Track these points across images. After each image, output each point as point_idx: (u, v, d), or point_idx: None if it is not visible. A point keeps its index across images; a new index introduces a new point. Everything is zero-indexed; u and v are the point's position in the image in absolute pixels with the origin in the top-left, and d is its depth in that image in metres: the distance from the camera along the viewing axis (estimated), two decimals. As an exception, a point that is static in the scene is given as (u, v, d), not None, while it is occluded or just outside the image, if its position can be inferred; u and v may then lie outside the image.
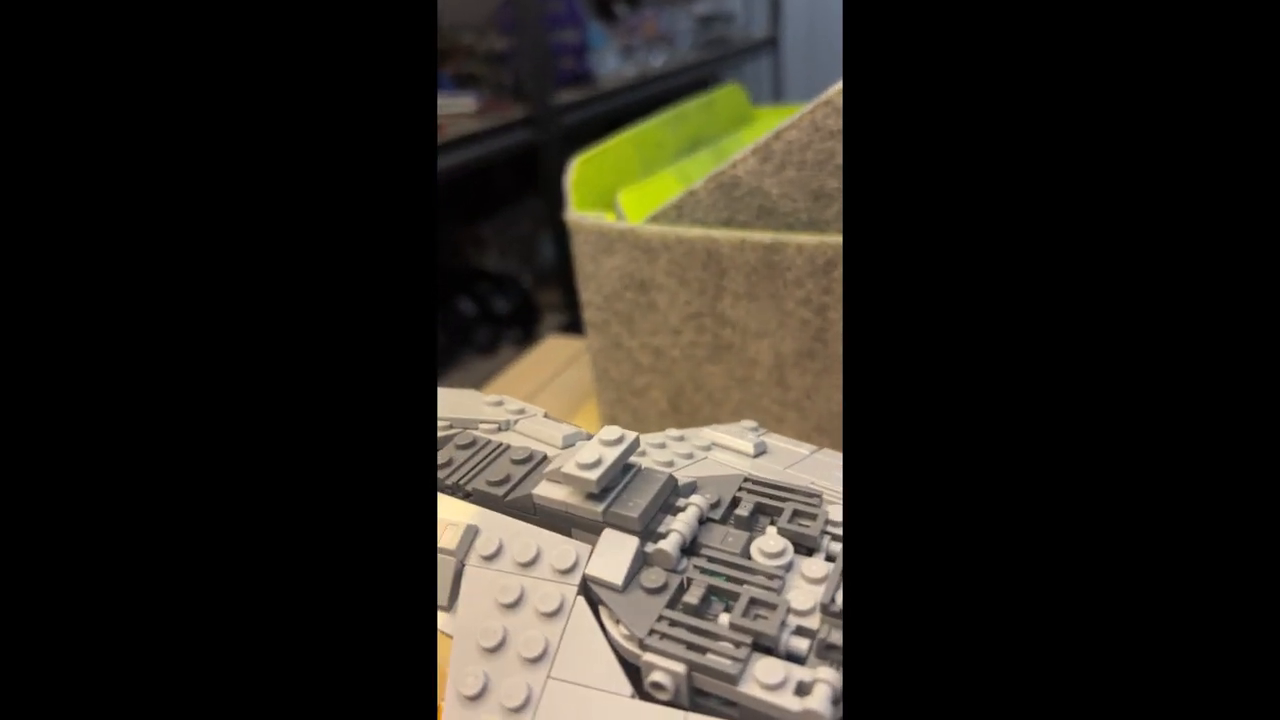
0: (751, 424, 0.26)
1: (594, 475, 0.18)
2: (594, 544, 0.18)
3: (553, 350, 0.65)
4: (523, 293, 1.20)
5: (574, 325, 1.25)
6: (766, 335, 0.38)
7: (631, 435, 0.20)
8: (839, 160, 0.34)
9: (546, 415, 0.25)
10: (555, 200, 1.16)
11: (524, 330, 1.19)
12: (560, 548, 0.19)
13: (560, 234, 1.18)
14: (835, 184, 0.35)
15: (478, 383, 1.09)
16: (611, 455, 0.19)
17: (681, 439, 0.24)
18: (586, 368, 0.60)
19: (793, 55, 1.93)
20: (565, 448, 0.22)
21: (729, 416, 0.43)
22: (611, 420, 0.48)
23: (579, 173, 0.43)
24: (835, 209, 0.35)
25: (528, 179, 1.25)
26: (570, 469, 0.19)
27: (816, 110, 0.33)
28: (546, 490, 0.19)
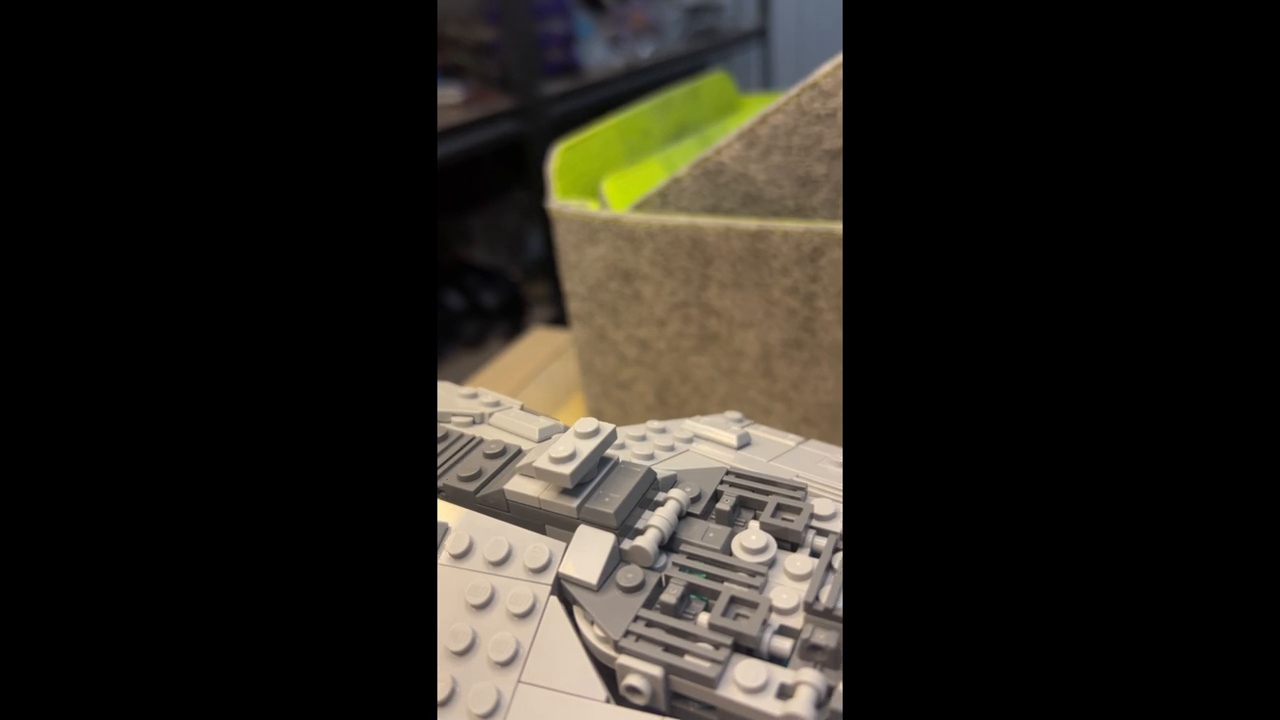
0: (736, 415, 0.25)
1: (568, 469, 0.18)
2: (569, 541, 0.18)
3: (539, 343, 0.64)
4: (510, 286, 1.19)
5: (561, 318, 1.24)
6: (753, 325, 0.37)
7: (608, 427, 0.19)
8: (826, 145, 0.33)
9: (523, 408, 0.24)
10: (542, 192, 1.15)
11: (511, 324, 1.17)
12: (533, 546, 0.18)
13: (547, 226, 1.16)
14: (822, 169, 0.34)
15: (464, 376, 1.07)
16: (587, 448, 0.18)
17: (663, 431, 0.23)
18: (573, 360, 0.60)
19: (782, 46, 1.92)
20: (541, 441, 0.22)
21: (716, 408, 0.42)
22: (597, 414, 0.47)
23: (561, 160, 0.42)
24: (822, 195, 0.34)
25: (515, 172, 1.23)
26: (544, 463, 0.18)
27: (802, 94, 0.32)
28: (519, 485, 0.19)
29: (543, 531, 0.18)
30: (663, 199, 0.38)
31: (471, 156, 1.00)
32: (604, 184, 0.43)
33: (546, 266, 1.25)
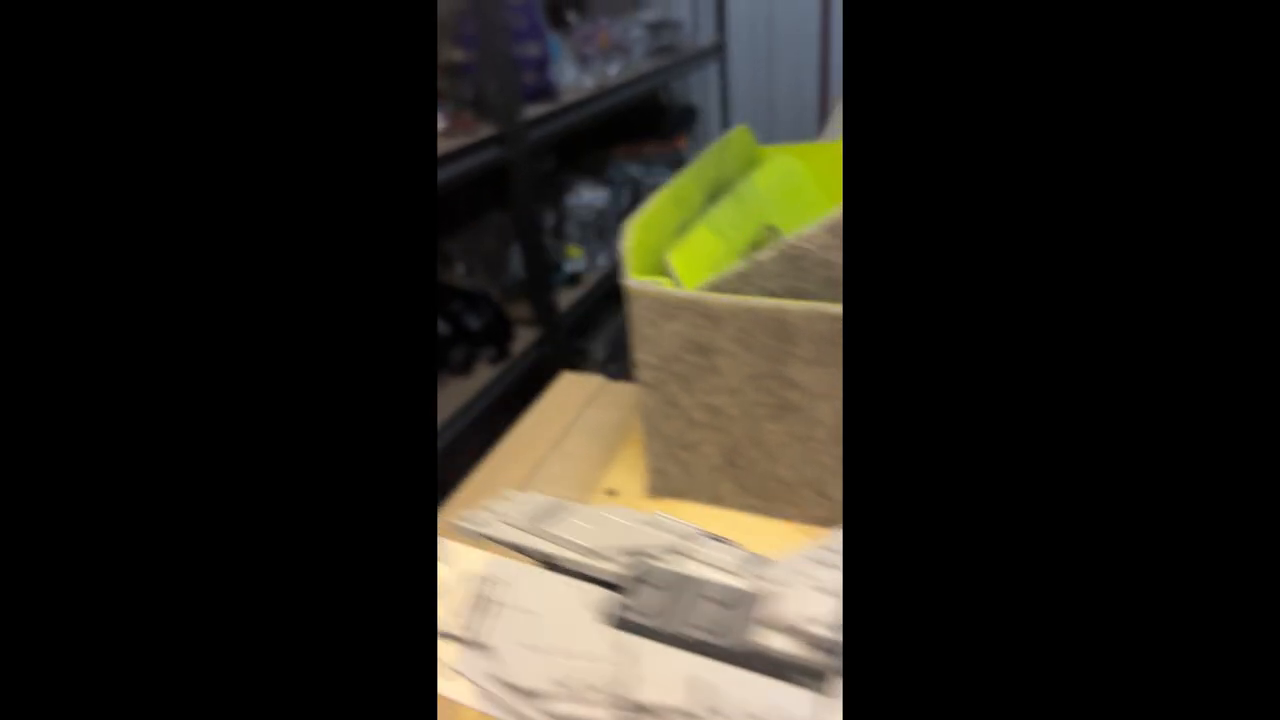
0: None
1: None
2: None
3: (568, 389, 0.65)
4: (494, 308, 1.18)
5: (547, 340, 1.24)
6: (833, 398, 0.40)
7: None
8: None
9: (703, 533, 0.25)
10: (526, 215, 1.15)
11: (498, 348, 1.17)
12: None
13: (531, 248, 1.16)
14: (908, 261, 0.36)
15: (456, 405, 1.06)
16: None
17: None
18: (607, 408, 0.61)
19: (739, 62, 1.95)
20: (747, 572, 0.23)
21: (785, 471, 0.44)
22: (660, 473, 0.48)
23: (637, 238, 0.43)
24: (906, 283, 0.37)
25: (491, 194, 1.23)
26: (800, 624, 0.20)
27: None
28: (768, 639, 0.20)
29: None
30: (743, 280, 0.40)
31: (457, 184, 0.99)
32: (670, 258, 0.45)
33: (527, 287, 1.25)
